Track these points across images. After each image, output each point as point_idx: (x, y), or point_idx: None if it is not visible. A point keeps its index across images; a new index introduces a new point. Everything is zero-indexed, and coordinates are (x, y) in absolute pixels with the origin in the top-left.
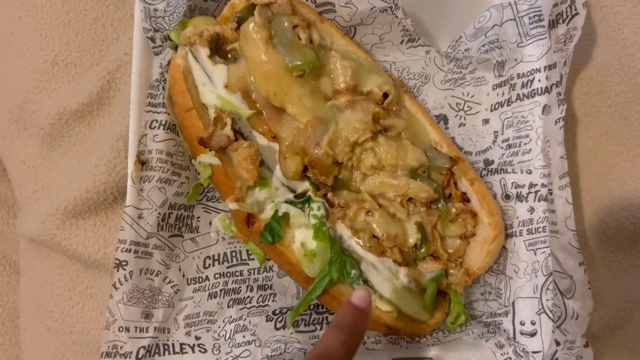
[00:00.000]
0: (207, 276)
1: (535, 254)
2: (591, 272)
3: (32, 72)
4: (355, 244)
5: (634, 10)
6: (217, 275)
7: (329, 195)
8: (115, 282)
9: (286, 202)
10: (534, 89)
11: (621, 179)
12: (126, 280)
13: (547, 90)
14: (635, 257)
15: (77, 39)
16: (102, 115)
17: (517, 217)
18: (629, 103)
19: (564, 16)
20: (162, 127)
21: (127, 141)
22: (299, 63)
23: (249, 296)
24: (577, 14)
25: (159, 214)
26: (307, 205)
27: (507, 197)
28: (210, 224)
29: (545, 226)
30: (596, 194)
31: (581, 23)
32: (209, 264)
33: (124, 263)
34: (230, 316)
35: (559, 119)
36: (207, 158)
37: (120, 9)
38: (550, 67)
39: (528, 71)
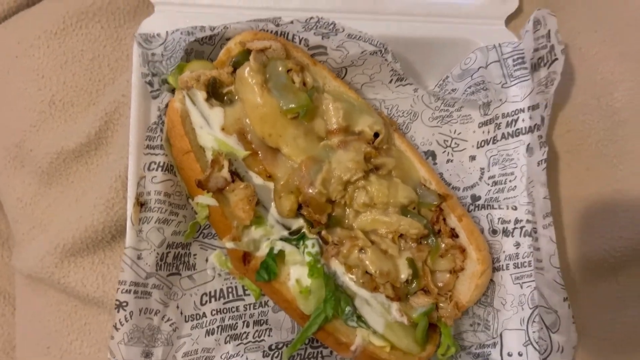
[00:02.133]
0: (204, 313)
1: (521, 287)
2: (575, 304)
3: (30, 112)
4: (349, 280)
5: (612, 51)
6: (214, 312)
7: (323, 232)
8: (116, 323)
9: (281, 239)
10: (518, 128)
11: (602, 214)
12: (127, 321)
13: (531, 129)
14: (615, 288)
15: (74, 79)
16: (100, 155)
17: (504, 252)
18: (608, 140)
19: (545, 60)
20: (160, 168)
21: (125, 182)
22: (293, 106)
23: (245, 332)
24: (557, 59)
25: (158, 253)
26: (301, 242)
27: (494, 232)
28: (207, 260)
29: (531, 261)
30: (578, 228)
31: (560, 68)
32: (206, 301)
33: (125, 304)
34: (228, 352)
35: (541, 160)
36: (205, 199)
37: (117, 49)
38: (534, 107)
39: (512, 111)
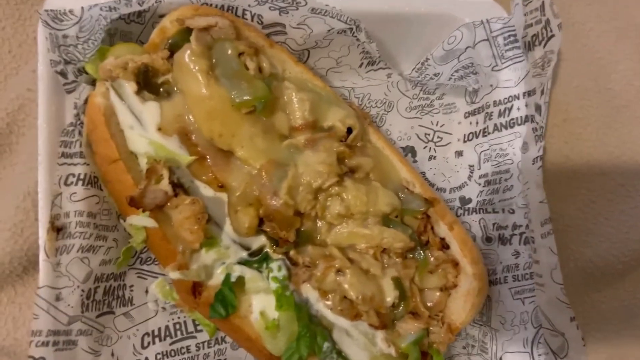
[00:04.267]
0: (146, 358)
1: (523, 303)
2: (580, 315)
3: None
4: (324, 308)
5: (608, 27)
6: (159, 356)
7: (291, 252)
8: None
9: (240, 263)
10: (512, 118)
11: (606, 211)
12: None
13: (528, 119)
14: (623, 295)
15: None
16: (3, 166)
17: (501, 263)
18: (608, 128)
19: (540, 37)
20: (80, 182)
21: (36, 200)
22: (248, 98)
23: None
24: (553, 35)
25: (83, 290)
26: (264, 266)
27: (489, 239)
28: (147, 292)
29: (533, 272)
30: (582, 231)
31: (557, 46)
32: (148, 342)
33: None
34: None
35: (537, 158)
36: (140, 220)
37: (20, 31)
38: (530, 93)
39: (505, 98)
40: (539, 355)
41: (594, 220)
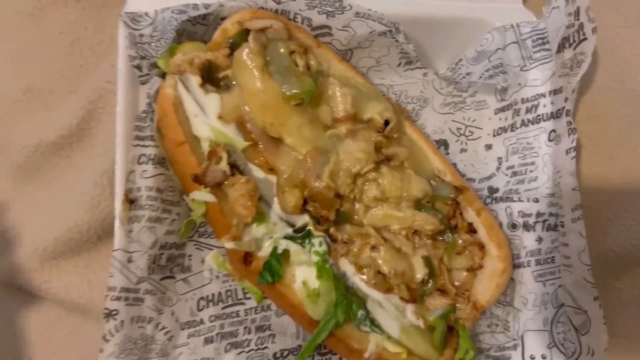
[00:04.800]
0: (201, 319)
1: (544, 285)
2: (604, 301)
3: (3, 101)
4: (359, 281)
5: (634, 32)
6: (212, 318)
7: (331, 230)
8: (105, 334)
9: (285, 237)
10: (539, 115)
11: (627, 205)
12: (117, 331)
13: (553, 115)
14: None
15: (52, 65)
16: (83, 148)
17: (525, 247)
18: (631, 127)
19: (571, 40)
20: (150, 161)
21: (112, 177)
22: (297, 91)
23: (247, 339)
24: (586, 39)
25: (150, 255)
26: (307, 241)
27: (514, 226)
28: (203, 262)
29: (555, 257)
30: (602, 221)
31: (591, 49)
32: (203, 306)
33: (115, 312)
34: None
35: (570, 149)
36: (202, 195)
37: (100, 31)
38: (556, 91)
39: (532, 96)
40: (558, 333)
41: (615, 212)
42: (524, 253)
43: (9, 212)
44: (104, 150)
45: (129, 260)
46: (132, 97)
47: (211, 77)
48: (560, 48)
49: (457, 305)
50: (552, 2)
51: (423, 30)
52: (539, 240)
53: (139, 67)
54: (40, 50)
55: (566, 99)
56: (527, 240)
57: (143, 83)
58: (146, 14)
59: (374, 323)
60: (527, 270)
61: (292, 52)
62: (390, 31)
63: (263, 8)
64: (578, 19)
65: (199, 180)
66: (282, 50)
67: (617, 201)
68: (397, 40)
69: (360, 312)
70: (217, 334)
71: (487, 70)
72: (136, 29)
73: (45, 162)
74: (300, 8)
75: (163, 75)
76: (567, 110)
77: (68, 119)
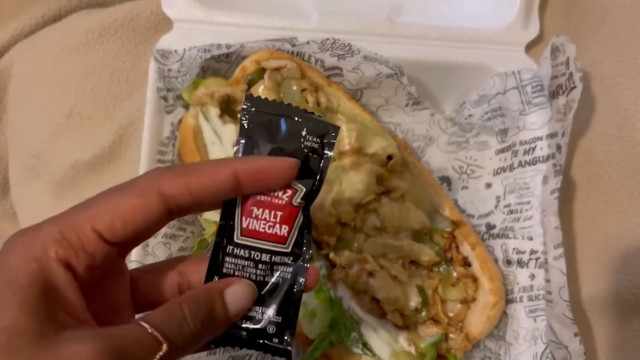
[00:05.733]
0: None
1: (535, 321)
2: (592, 341)
3: (49, 123)
4: (355, 305)
5: (635, 82)
6: None
7: (331, 255)
8: None
9: None
10: (535, 157)
11: (621, 248)
12: None
13: (549, 158)
14: (636, 326)
15: (93, 93)
16: (113, 168)
17: (518, 283)
18: (629, 172)
19: (564, 88)
20: None
21: None
22: None
23: (248, 353)
24: (575, 87)
25: None
26: None
27: (509, 262)
28: None
29: (545, 293)
30: (596, 262)
31: (578, 96)
32: None
33: None
34: None
35: (555, 189)
36: (213, 215)
37: (136, 64)
38: (552, 135)
39: (530, 139)
40: None
41: (608, 255)
42: (517, 289)
43: None
44: (129, 171)
45: None
46: (157, 125)
47: (229, 109)
48: (555, 94)
49: (450, 335)
50: (545, 52)
51: (430, 73)
52: (532, 277)
53: (165, 98)
54: (83, 80)
55: (557, 144)
56: (521, 277)
57: (168, 112)
58: (175, 51)
59: (366, 346)
60: (520, 305)
61: (303, 90)
62: (396, 74)
63: (280, 49)
64: (568, 69)
65: None
66: (294, 87)
67: (611, 244)
68: (402, 82)
69: (354, 334)
70: (219, 349)
71: (486, 113)
72: (165, 65)
73: (80, 179)
74: (313, 50)
75: (187, 107)
76: (553, 153)
77: (102, 141)
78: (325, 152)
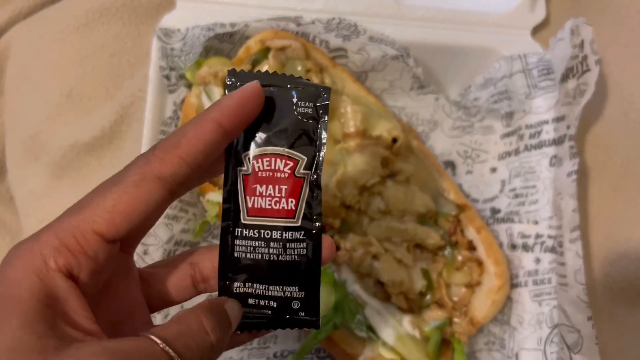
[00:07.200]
0: None
1: (540, 305)
2: (597, 326)
3: (47, 104)
4: (359, 289)
5: None
6: None
7: (335, 237)
8: None
9: None
10: (541, 141)
11: (627, 234)
12: None
13: (555, 142)
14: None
15: (93, 73)
16: (113, 149)
17: (523, 267)
18: (635, 158)
19: (574, 71)
20: None
21: None
22: None
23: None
24: (589, 70)
25: (165, 250)
26: None
27: (513, 246)
28: None
29: (551, 277)
30: (602, 248)
31: (593, 79)
32: None
33: None
34: (231, 357)
35: (572, 172)
36: (215, 196)
37: (137, 45)
38: (558, 119)
39: (536, 122)
40: (551, 352)
41: (614, 241)
42: (522, 273)
43: (44, 205)
44: (129, 152)
45: (145, 252)
46: (160, 104)
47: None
48: (565, 78)
49: (455, 319)
50: (558, 34)
51: (436, 57)
52: (537, 261)
53: (167, 78)
54: (83, 60)
55: (569, 126)
56: (526, 261)
57: (171, 92)
58: (178, 30)
59: (370, 329)
60: (524, 289)
61: (308, 71)
62: (402, 56)
63: (284, 29)
64: (582, 52)
65: (213, 181)
66: (299, 68)
67: (618, 230)
68: (407, 65)
69: (358, 317)
70: None
71: (492, 96)
72: (168, 43)
73: (79, 160)
74: (318, 31)
75: (189, 86)
76: (570, 135)
77: (102, 122)
78: (320, 115)
